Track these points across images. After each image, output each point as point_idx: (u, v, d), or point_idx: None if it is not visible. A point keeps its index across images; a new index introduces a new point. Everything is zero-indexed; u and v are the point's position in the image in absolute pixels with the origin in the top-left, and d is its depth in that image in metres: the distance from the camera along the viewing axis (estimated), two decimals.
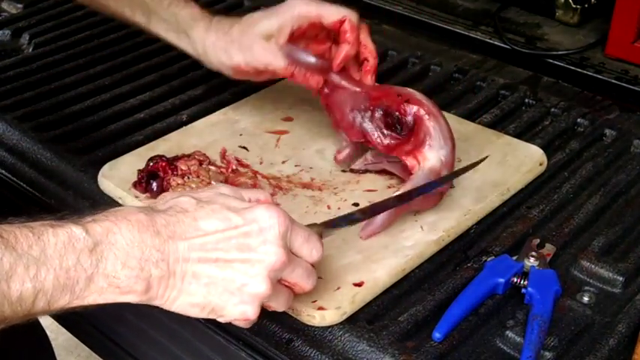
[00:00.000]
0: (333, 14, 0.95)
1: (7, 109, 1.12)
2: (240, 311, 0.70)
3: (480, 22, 1.41)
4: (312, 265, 0.74)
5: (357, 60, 0.98)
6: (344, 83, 0.96)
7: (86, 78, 1.21)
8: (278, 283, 0.72)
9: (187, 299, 0.70)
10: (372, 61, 0.97)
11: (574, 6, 1.37)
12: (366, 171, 0.98)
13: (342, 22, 0.95)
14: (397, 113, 0.90)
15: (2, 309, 0.62)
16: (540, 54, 1.29)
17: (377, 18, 1.44)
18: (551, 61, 1.29)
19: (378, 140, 0.89)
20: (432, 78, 1.22)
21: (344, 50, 0.95)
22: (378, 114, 0.90)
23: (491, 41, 1.35)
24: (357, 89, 0.95)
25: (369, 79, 0.97)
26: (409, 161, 0.88)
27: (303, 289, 0.74)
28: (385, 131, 0.89)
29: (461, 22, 1.42)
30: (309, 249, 0.73)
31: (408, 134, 0.89)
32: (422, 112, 0.89)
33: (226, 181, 0.94)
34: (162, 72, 1.21)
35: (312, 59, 0.95)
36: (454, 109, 1.13)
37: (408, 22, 1.43)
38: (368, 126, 0.90)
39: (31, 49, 1.30)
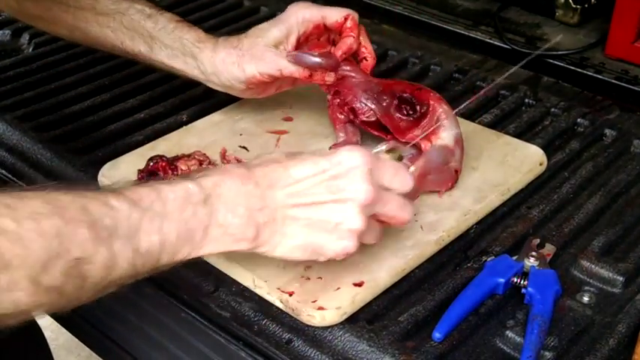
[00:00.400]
0: (335, 14, 0.99)
1: (7, 109, 1.12)
2: (341, 247, 0.75)
3: (480, 22, 1.41)
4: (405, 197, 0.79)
5: (356, 59, 1.01)
6: (354, 74, 0.98)
7: (86, 78, 1.21)
8: (371, 218, 0.76)
9: (290, 242, 0.75)
10: (370, 60, 1.00)
11: (574, 6, 1.37)
12: None
13: (344, 19, 0.98)
14: (412, 97, 0.94)
15: (134, 262, 0.67)
16: (540, 54, 1.29)
17: (377, 18, 1.44)
18: (551, 61, 1.29)
19: (397, 118, 0.93)
20: (432, 78, 1.22)
21: (348, 42, 0.99)
22: (392, 97, 0.93)
23: (491, 41, 1.35)
24: (369, 78, 0.98)
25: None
26: (423, 143, 0.92)
27: (401, 221, 0.79)
28: (398, 114, 0.93)
29: (461, 22, 1.42)
30: (400, 181, 0.77)
31: (422, 116, 0.93)
32: (434, 98, 0.94)
33: None
34: (162, 72, 1.21)
35: (321, 59, 0.97)
36: (454, 109, 1.12)
37: (408, 22, 1.43)
38: (380, 107, 0.94)
39: (31, 49, 1.30)
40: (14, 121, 1.08)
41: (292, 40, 0.98)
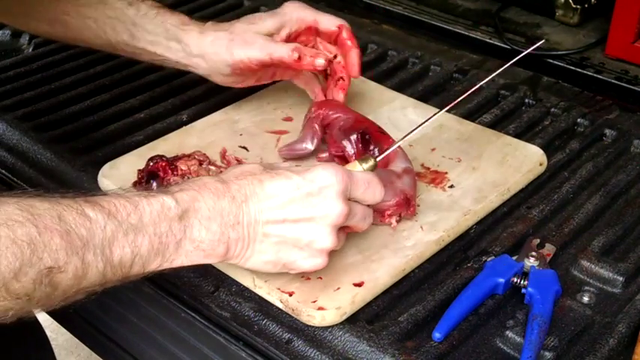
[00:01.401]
0: (329, 20, 1.02)
1: (7, 109, 1.12)
2: (310, 264, 0.77)
3: (480, 22, 1.41)
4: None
5: (333, 76, 1.05)
6: (339, 110, 1.00)
7: (86, 78, 1.21)
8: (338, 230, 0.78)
9: (260, 257, 0.76)
10: (346, 80, 1.04)
11: (574, 6, 1.37)
12: None
13: (339, 29, 1.01)
14: (370, 137, 0.95)
15: (105, 272, 0.67)
16: (540, 54, 1.29)
17: (377, 18, 1.44)
18: (551, 61, 1.29)
19: (351, 153, 0.95)
20: (432, 78, 1.22)
21: (356, 55, 1.02)
22: (356, 138, 0.95)
23: (491, 41, 1.35)
24: (349, 116, 0.99)
25: (340, 96, 1.04)
26: None
27: (361, 229, 0.81)
28: (359, 147, 0.95)
29: (461, 22, 1.42)
30: (371, 194, 0.79)
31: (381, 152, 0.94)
32: (391, 140, 0.95)
33: None
34: (162, 72, 1.21)
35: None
36: (454, 109, 1.12)
37: (408, 22, 1.43)
38: (346, 142, 0.96)
39: (31, 49, 1.30)
40: (14, 121, 1.08)
41: (283, 34, 1.00)
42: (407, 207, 0.88)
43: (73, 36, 1.07)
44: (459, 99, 0.94)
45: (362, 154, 0.94)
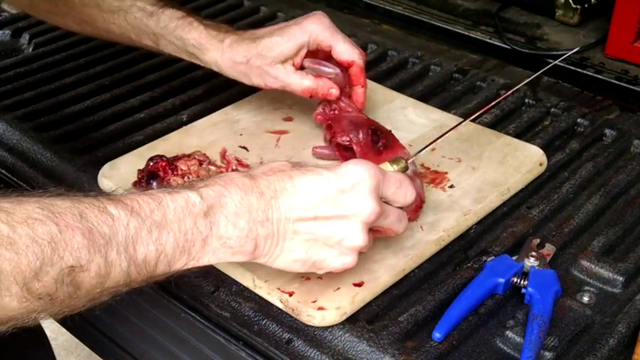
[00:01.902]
0: (344, 53, 0.99)
1: (7, 109, 1.12)
2: (340, 263, 0.75)
3: (480, 22, 1.41)
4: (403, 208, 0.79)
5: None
6: (350, 109, 1.01)
7: (86, 78, 1.21)
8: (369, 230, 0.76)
9: (289, 255, 0.74)
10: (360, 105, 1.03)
11: (574, 6, 1.37)
12: None
13: (350, 64, 1.00)
14: (380, 132, 0.96)
15: (129, 271, 0.66)
16: (540, 54, 1.29)
17: (377, 18, 1.44)
18: (551, 61, 1.29)
19: (362, 143, 0.96)
20: (432, 78, 1.22)
21: (360, 92, 1.02)
22: (366, 131, 0.96)
23: (491, 41, 1.35)
24: (359, 114, 1.00)
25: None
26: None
27: (396, 232, 0.79)
28: (369, 140, 0.95)
29: (461, 22, 1.42)
30: (403, 194, 0.77)
31: (385, 148, 0.95)
32: (399, 143, 0.97)
33: None
34: (162, 72, 1.22)
35: (335, 69, 1.00)
36: (454, 109, 1.13)
37: (408, 22, 1.43)
38: (356, 135, 0.96)
39: (31, 49, 1.30)
40: (14, 121, 1.08)
41: (302, 55, 1.00)
42: (420, 208, 0.88)
43: (102, 35, 1.10)
44: (488, 107, 0.97)
45: (370, 149, 0.93)
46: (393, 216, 0.77)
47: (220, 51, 1.00)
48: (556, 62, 1.03)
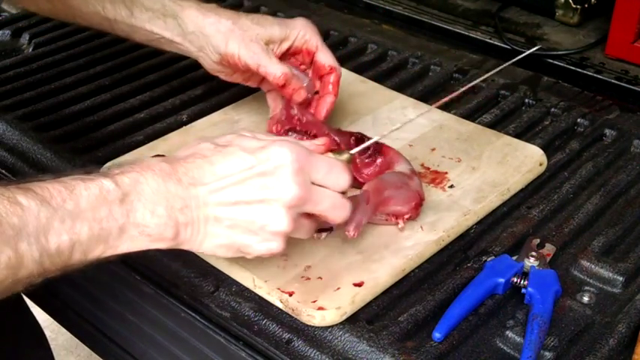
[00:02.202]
0: (327, 58, 1.00)
1: (7, 109, 1.12)
2: (265, 248, 0.73)
3: (480, 22, 1.41)
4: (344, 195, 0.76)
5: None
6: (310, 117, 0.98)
7: (86, 78, 1.21)
8: (301, 216, 0.74)
9: (213, 241, 0.73)
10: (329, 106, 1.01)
11: (574, 6, 1.37)
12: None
13: (329, 70, 1.00)
14: (363, 136, 0.93)
15: (42, 261, 0.64)
16: (540, 54, 1.29)
17: (377, 18, 1.44)
18: (551, 61, 1.29)
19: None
20: (432, 78, 1.22)
21: (329, 101, 1.00)
22: (348, 137, 0.93)
23: (491, 41, 1.35)
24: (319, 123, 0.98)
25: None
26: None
27: (333, 221, 0.76)
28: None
29: (461, 22, 1.42)
30: (334, 179, 0.74)
31: (375, 154, 0.93)
32: (386, 146, 0.95)
33: None
34: (162, 72, 1.22)
35: (306, 78, 1.00)
36: (454, 109, 1.13)
37: (408, 22, 1.43)
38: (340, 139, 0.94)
39: (31, 49, 1.30)
40: (14, 121, 1.08)
41: (284, 46, 0.99)
42: (420, 205, 0.88)
43: (72, 13, 1.06)
44: (449, 97, 0.96)
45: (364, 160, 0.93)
46: (327, 201, 0.74)
47: (202, 8, 0.98)
48: (529, 52, 1.03)
